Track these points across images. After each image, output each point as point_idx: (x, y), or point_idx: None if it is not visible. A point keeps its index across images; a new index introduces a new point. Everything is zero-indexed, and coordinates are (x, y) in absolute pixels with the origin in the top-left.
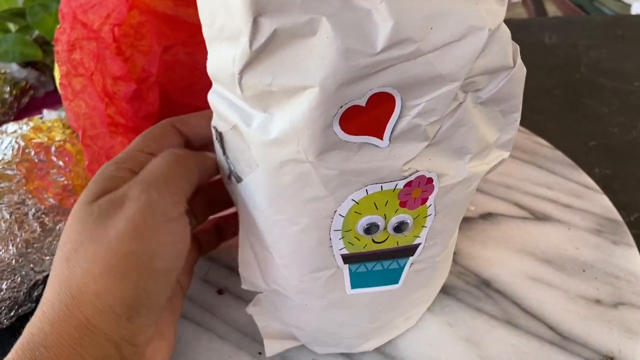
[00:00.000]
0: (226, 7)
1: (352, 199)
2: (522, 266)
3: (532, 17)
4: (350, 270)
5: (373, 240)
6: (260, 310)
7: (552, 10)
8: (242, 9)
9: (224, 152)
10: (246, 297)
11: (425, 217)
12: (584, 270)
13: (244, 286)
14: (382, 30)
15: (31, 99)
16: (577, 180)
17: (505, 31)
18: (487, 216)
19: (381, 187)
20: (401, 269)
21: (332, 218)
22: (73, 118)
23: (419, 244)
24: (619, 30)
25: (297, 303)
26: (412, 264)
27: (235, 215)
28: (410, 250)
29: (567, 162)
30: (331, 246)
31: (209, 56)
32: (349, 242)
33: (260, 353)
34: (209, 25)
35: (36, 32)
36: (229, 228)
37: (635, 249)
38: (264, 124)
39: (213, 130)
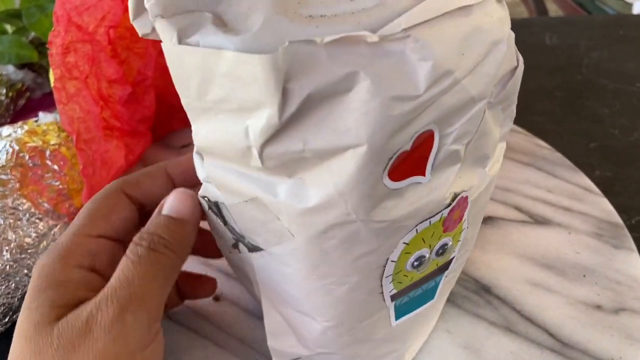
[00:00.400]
0: (232, 78)
1: (404, 242)
2: (522, 271)
3: (532, 16)
4: (395, 305)
5: (418, 271)
6: None
7: (553, 9)
8: (266, 79)
9: (225, 223)
10: (242, 304)
11: (461, 232)
12: (584, 275)
13: (275, 359)
14: (422, 69)
15: (28, 101)
16: (578, 183)
17: (512, 34)
18: (487, 220)
19: (429, 222)
20: (437, 284)
21: (384, 266)
22: (67, 122)
23: (454, 257)
24: (620, 30)
25: (346, 355)
26: (445, 276)
27: (193, 275)
28: (446, 266)
29: (567, 165)
30: (382, 292)
31: (193, 128)
32: (398, 282)
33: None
34: (195, 96)
35: (32, 34)
36: (188, 287)
37: (637, 253)
38: (296, 192)
39: (203, 201)
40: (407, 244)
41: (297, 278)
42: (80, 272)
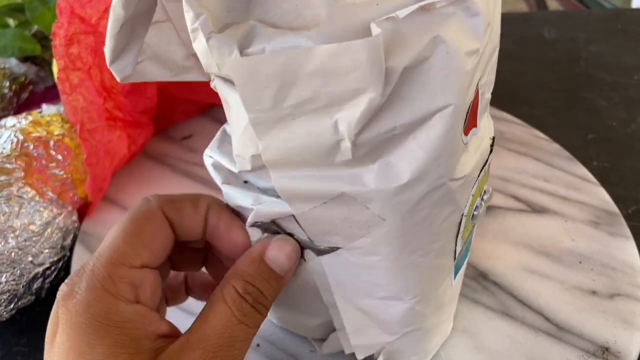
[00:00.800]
0: (324, 73)
1: (472, 194)
2: (519, 258)
3: (532, 11)
4: (455, 264)
5: (472, 224)
6: None
7: (553, 5)
8: (371, 62)
9: (287, 234)
10: None
11: (487, 176)
12: (580, 262)
13: (361, 356)
14: (477, 24)
15: (30, 94)
16: (575, 173)
17: None
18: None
19: (484, 170)
20: (472, 236)
21: (460, 223)
22: (71, 112)
23: (483, 198)
24: (619, 24)
25: (427, 327)
26: (476, 227)
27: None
28: (479, 209)
29: (565, 155)
30: (455, 251)
31: (262, 145)
32: (462, 238)
33: (258, 345)
34: (268, 107)
35: (35, 27)
36: (196, 283)
37: (632, 241)
38: (385, 174)
39: (254, 230)
40: (473, 195)
41: (386, 263)
42: (131, 308)
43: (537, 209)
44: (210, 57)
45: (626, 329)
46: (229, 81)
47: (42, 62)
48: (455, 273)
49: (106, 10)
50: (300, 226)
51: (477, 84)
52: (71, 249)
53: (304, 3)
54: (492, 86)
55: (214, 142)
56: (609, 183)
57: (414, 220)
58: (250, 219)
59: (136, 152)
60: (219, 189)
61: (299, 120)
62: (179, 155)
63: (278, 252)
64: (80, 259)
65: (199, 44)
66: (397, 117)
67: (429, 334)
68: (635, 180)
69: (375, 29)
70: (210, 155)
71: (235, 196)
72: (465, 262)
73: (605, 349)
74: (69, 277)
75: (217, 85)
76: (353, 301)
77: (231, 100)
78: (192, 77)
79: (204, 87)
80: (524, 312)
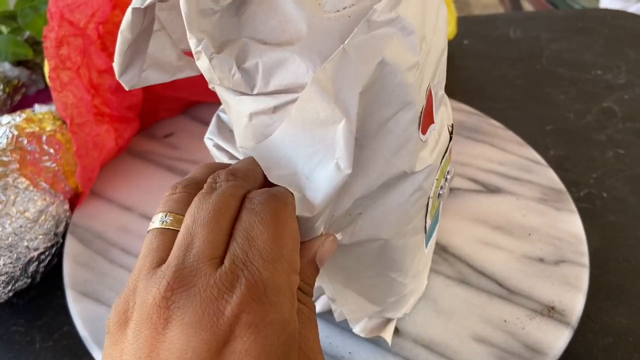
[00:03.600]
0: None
1: (435, 179)
2: (475, 233)
3: (500, 12)
4: (425, 236)
5: (439, 201)
6: (369, 322)
7: (528, 8)
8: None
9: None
10: None
11: (450, 160)
12: (529, 234)
13: (352, 326)
14: (411, 41)
15: (23, 97)
16: (526, 156)
17: None
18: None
19: (445, 156)
20: (439, 208)
21: (427, 205)
22: (61, 108)
23: (446, 179)
24: (579, 23)
25: (408, 293)
26: (443, 199)
27: None
28: (443, 189)
29: (517, 141)
30: (425, 227)
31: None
32: (430, 215)
33: None
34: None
35: (27, 33)
36: None
37: (577, 214)
38: (360, 181)
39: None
40: (437, 179)
41: (372, 247)
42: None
43: (492, 189)
44: (213, 73)
45: (570, 291)
46: (229, 89)
47: (34, 66)
48: (427, 242)
49: (93, 15)
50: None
51: (429, 87)
52: (63, 236)
53: (286, 19)
54: (444, 83)
55: (212, 128)
56: (563, 169)
57: (385, 210)
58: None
59: (123, 145)
60: None
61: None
62: (162, 152)
63: (326, 253)
64: (71, 249)
65: (203, 63)
66: (364, 135)
67: (408, 297)
68: (588, 167)
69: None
70: (211, 138)
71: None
72: (435, 231)
73: (551, 308)
74: (238, 279)
75: (216, 89)
76: (345, 282)
77: (231, 102)
78: (186, 74)
79: (186, 85)
80: (479, 279)
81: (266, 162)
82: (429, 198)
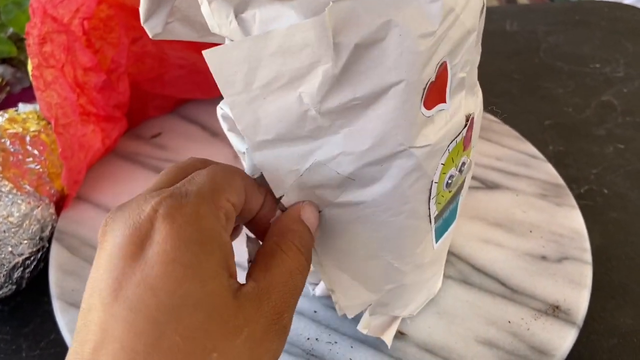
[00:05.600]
0: (283, 52)
1: (441, 163)
2: (475, 230)
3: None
4: (435, 228)
5: (449, 191)
6: (372, 320)
7: (523, 0)
8: (319, 38)
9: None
10: None
11: (471, 150)
12: (530, 231)
13: (351, 315)
14: (434, 9)
15: (8, 95)
16: (524, 151)
17: None
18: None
19: (456, 141)
20: (457, 204)
21: (430, 189)
22: (45, 108)
23: (465, 176)
24: (576, 15)
25: (408, 284)
26: (462, 195)
27: None
28: (462, 185)
29: (514, 135)
30: (429, 214)
31: (239, 125)
32: (438, 203)
33: None
34: (241, 90)
35: (10, 30)
36: None
37: (577, 210)
38: (350, 141)
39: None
40: (444, 164)
41: (361, 220)
42: (226, 237)
43: (490, 185)
44: (212, 18)
45: (574, 289)
46: (228, 39)
47: (18, 63)
48: (438, 236)
49: (78, 10)
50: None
51: (443, 64)
52: (49, 241)
53: None
54: (472, 68)
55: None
56: (563, 165)
57: (381, 182)
58: (248, 169)
59: (110, 146)
60: None
61: (269, 99)
62: (149, 153)
63: (310, 214)
64: (57, 256)
65: (204, 8)
66: (356, 90)
67: (412, 290)
68: (588, 162)
69: (327, 8)
70: (222, 107)
71: (236, 143)
72: (451, 228)
73: (556, 307)
74: (165, 191)
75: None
76: (338, 263)
77: None
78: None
79: (175, 83)
80: (481, 279)
81: (223, 76)
82: (432, 182)
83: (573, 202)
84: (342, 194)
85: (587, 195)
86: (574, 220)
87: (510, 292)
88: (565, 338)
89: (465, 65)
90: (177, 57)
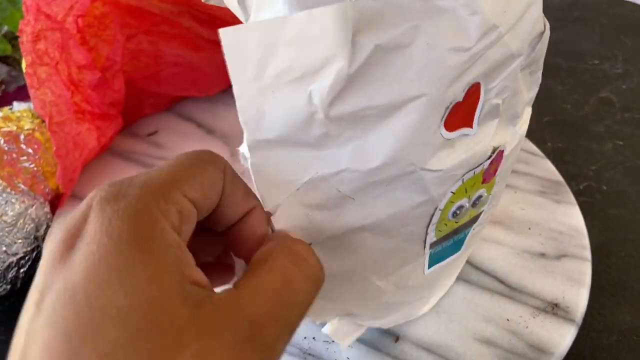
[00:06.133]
0: (298, 41)
1: (451, 191)
2: None
3: None
4: (430, 253)
5: (455, 221)
6: (340, 325)
7: None
8: (336, 30)
9: None
10: None
11: (493, 186)
12: (529, 228)
13: (317, 322)
14: (472, 23)
15: (3, 94)
16: (522, 148)
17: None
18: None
19: (474, 172)
20: (465, 236)
21: (432, 215)
22: (39, 105)
23: (483, 211)
24: (575, 12)
25: (389, 303)
26: (473, 229)
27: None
28: (476, 219)
29: None
30: (425, 240)
31: (242, 116)
32: (439, 231)
33: None
34: (252, 77)
35: (5, 28)
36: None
37: (577, 207)
38: (358, 156)
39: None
40: (454, 193)
41: (349, 239)
42: (175, 236)
43: None
44: None
45: (573, 286)
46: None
47: (13, 61)
48: (432, 263)
49: (72, 7)
50: (271, 227)
51: (475, 85)
52: (44, 240)
53: None
54: (515, 97)
55: None
56: (562, 162)
57: (383, 204)
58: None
59: (106, 144)
60: None
61: (277, 93)
62: (145, 151)
63: None
64: None
65: None
66: (371, 97)
67: (389, 308)
68: (587, 159)
69: (350, 1)
70: None
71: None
72: (452, 259)
73: (555, 305)
74: (109, 182)
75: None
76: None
77: None
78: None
79: (171, 80)
80: (479, 276)
81: (235, 59)
82: (436, 209)
83: (572, 199)
84: (338, 217)
85: (586, 192)
86: (573, 217)
87: (509, 290)
88: (564, 336)
89: (503, 92)
90: (172, 54)
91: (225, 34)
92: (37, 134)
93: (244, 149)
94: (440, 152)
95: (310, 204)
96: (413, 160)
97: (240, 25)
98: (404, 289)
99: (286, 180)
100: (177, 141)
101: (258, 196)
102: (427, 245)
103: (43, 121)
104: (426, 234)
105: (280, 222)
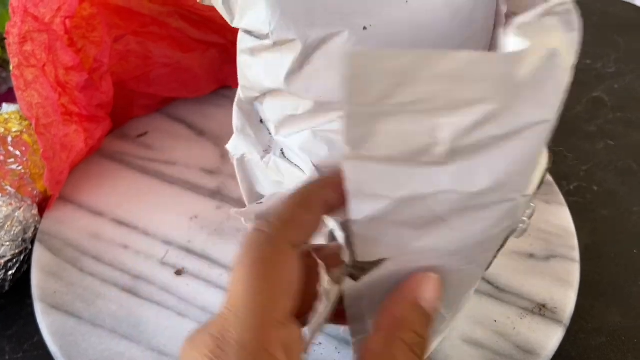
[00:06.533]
0: (442, 78)
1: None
2: None
3: None
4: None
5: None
6: None
7: None
8: (499, 81)
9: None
10: (203, 276)
11: None
12: None
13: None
14: (574, 36)
15: None
16: None
17: None
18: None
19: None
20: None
21: (507, 239)
22: (26, 107)
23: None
24: None
25: (441, 330)
26: None
27: None
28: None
29: None
30: (490, 264)
31: (346, 135)
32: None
33: None
34: (372, 102)
35: None
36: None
37: (566, 207)
38: (462, 178)
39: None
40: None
41: (429, 267)
42: None
43: None
44: None
45: (561, 287)
46: None
47: (3, 63)
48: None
49: (60, 9)
50: (349, 239)
51: None
52: (32, 242)
53: None
54: None
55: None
56: (553, 161)
57: (473, 229)
58: (330, 226)
59: (94, 146)
60: (174, 183)
61: (397, 117)
62: (135, 153)
63: (432, 293)
64: (39, 257)
65: None
66: (500, 127)
67: (438, 336)
68: (578, 159)
69: (513, 45)
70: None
71: (242, 144)
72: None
73: (543, 306)
74: (205, 345)
75: None
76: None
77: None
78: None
79: (160, 81)
80: None
81: (357, 83)
82: (512, 232)
83: (562, 199)
84: (422, 237)
85: (576, 192)
86: (562, 218)
87: (497, 291)
88: (551, 337)
89: None
90: (162, 55)
91: (355, 57)
92: (25, 136)
93: (230, 146)
94: (533, 175)
95: (397, 222)
96: (518, 187)
97: (376, 52)
98: (456, 314)
99: (378, 194)
100: (168, 142)
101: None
102: (487, 268)
103: (31, 123)
104: (494, 256)
105: (361, 232)
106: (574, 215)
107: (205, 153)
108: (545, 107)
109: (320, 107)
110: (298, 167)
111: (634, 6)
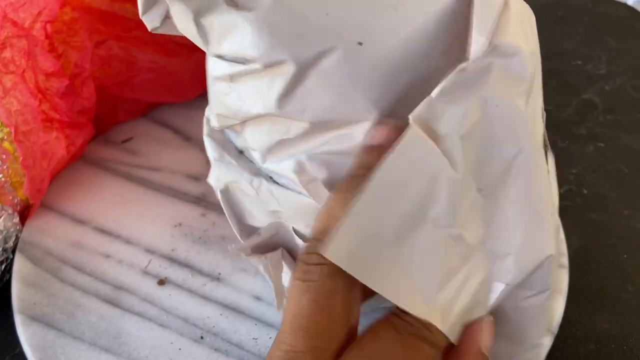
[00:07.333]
0: (396, 189)
1: None
2: None
3: None
4: None
5: None
6: None
7: None
8: (424, 149)
9: None
10: (186, 286)
11: None
12: None
13: None
14: (519, 59)
15: None
16: None
17: None
18: None
19: None
20: None
21: None
22: (5, 115)
23: None
24: (559, 11)
25: None
26: None
27: None
28: None
29: None
30: None
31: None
32: None
33: (202, 337)
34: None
35: None
36: None
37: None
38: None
39: None
40: None
41: None
42: None
43: None
44: (177, 21)
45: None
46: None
47: None
48: None
49: (40, 14)
50: None
51: (543, 113)
52: (14, 252)
53: None
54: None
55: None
56: None
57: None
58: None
59: (76, 153)
60: (159, 190)
61: (407, 242)
62: (119, 159)
63: (490, 335)
64: (20, 267)
65: (170, 9)
66: (478, 182)
67: None
68: (567, 162)
69: (411, 125)
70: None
71: (211, 149)
72: None
73: None
74: None
75: None
76: None
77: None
78: None
79: (145, 86)
80: None
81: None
82: None
83: None
84: None
85: (566, 196)
86: None
87: None
88: None
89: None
90: (145, 60)
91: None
92: (5, 144)
93: (211, 179)
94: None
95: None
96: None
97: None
98: None
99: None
100: (153, 148)
101: None
102: None
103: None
104: None
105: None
106: (564, 220)
107: (191, 158)
108: (510, 142)
109: (316, 128)
110: (294, 190)
111: (626, 5)
